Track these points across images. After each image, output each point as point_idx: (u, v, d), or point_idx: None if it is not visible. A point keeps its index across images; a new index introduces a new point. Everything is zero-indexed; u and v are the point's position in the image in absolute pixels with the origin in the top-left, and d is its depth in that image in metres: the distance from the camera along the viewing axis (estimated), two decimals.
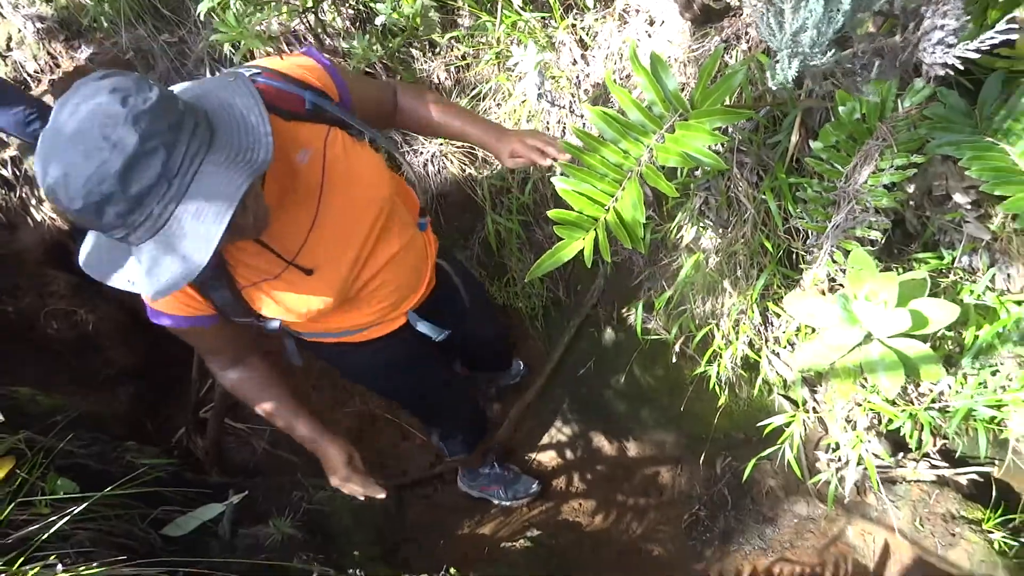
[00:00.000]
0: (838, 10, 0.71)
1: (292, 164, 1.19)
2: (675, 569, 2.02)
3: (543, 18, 2.12)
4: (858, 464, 1.75)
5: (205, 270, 0.90)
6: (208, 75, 2.80)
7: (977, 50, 1.25)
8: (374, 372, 1.76)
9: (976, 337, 1.49)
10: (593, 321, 2.35)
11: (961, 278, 1.62)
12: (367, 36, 2.29)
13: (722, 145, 1.66)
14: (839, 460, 1.77)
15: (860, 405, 1.69)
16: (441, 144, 2.40)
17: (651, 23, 1.96)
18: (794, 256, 1.65)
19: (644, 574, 2.04)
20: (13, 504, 1.47)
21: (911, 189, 1.53)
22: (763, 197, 1.56)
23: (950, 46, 0.83)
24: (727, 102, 1.44)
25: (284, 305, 1.27)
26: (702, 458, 2.11)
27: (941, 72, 0.86)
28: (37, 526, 1.45)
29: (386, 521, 2.24)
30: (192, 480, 2.12)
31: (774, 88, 0.96)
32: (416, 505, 2.40)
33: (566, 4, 2.10)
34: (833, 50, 0.75)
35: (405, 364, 1.73)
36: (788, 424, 1.78)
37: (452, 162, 2.40)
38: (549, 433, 2.51)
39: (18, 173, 2.90)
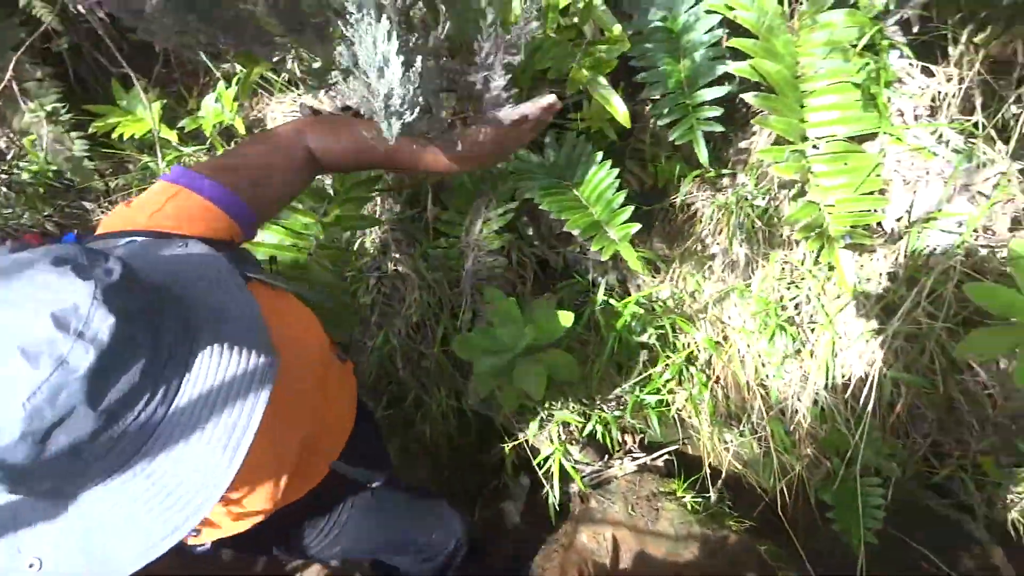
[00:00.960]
0: (415, 74, 0.92)
1: None
2: None
3: (207, 150, 2.24)
4: (566, 476, 1.98)
5: None
6: None
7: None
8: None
9: (608, 336, 1.81)
10: None
11: (598, 293, 1.96)
12: (24, 198, 2.23)
13: (379, 228, 1.88)
14: (551, 475, 1.98)
15: (553, 421, 1.93)
16: None
17: None
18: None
19: None
20: None
21: (531, 232, 1.84)
22: (417, 265, 1.78)
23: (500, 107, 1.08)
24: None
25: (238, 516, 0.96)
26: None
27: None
28: None
29: None
30: None
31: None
32: None
33: (224, 133, 2.24)
34: (416, 110, 0.95)
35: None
36: (506, 458, 1.96)
37: None
38: None
39: None
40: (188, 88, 2.31)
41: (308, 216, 1.55)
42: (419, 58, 0.95)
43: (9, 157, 2.34)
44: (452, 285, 1.78)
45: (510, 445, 1.97)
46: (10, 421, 0.54)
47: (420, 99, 0.97)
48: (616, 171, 1.49)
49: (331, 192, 1.66)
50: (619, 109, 1.49)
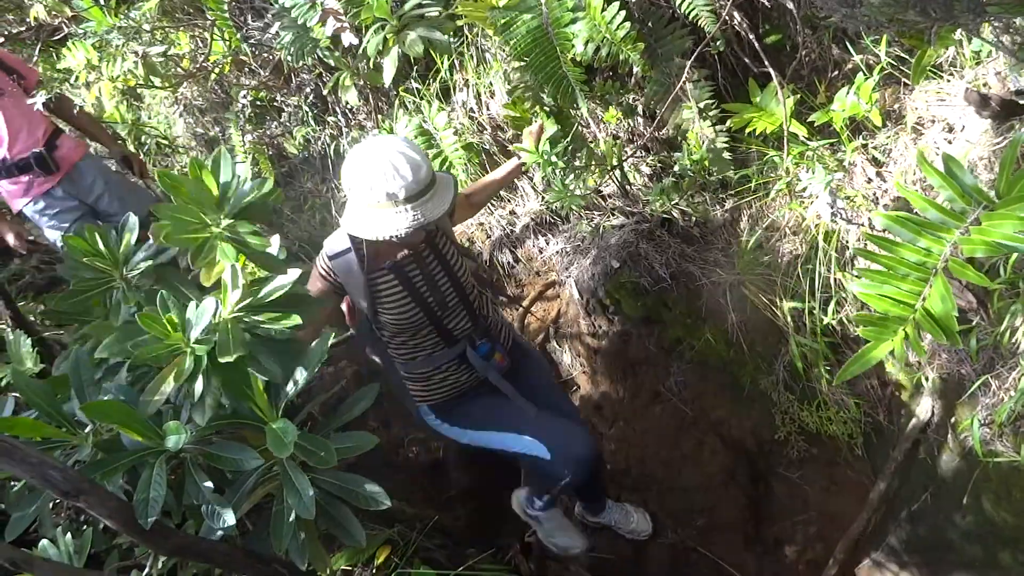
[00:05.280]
0: None
1: None
2: None
3: (831, 144, 2.21)
4: None
5: None
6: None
7: None
8: None
9: None
10: (924, 447, 2.13)
11: None
12: (664, 186, 2.59)
13: None
14: None
15: None
16: (738, 273, 2.51)
17: (949, 130, 1.93)
18: None
19: None
20: None
21: None
22: None
23: None
24: None
25: None
26: None
27: None
28: None
29: None
30: None
31: None
32: None
33: (853, 127, 2.16)
34: None
35: None
36: None
37: (749, 290, 2.49)
38: None
39: None
40: (817, 83, 2.30)
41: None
42: None
43: (652, 152, 2.75)
44: None
45: None
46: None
47: None
48: None
49: (990, 195, 1.39)
50: None
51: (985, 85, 1.80)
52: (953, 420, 1.98)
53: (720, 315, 2.59)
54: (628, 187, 2.78)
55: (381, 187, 1.62)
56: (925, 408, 2.09)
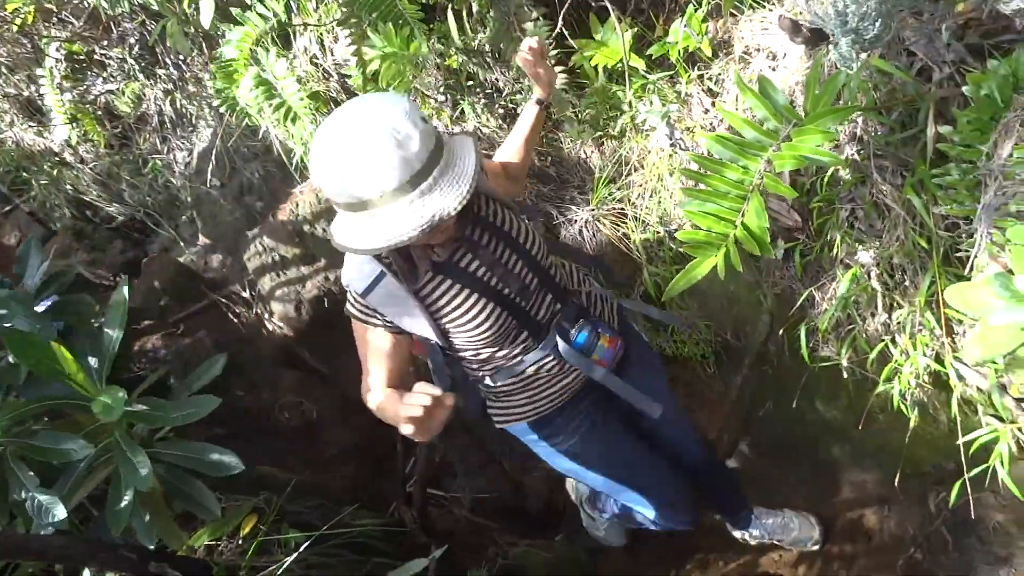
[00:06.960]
0: None
1: None
2: None
3: (669, 77, 2.26)
4: None
5: None
6: None
7: None
8: None
9: None
10: (766, 359, 2.30)
11: None
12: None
13: (857, 153, 1.65)
14: None
15: None
16: (593, 209, 2.56)
17: (773, 58, 2.02)
18: (959, 253, 1.56)
19: None
20: (254, 549, 1.77)
21: None
22: (908, 197, 1.51)
23: None
24: (841, 104, 1.47)
25: None
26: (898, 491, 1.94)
27: None
28: (272, 567, 1.72)
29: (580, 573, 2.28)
30: (402, 541, 2.35)
31: (840, 65, 1.00)
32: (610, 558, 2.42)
33: (690, 59, 2.22)
34: (879, 21, 0.80)
35: None
36: (995, 441, 1.61)
37: (604, 225, 2.55)
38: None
39: (253, 294, 3.51)
40: (656, 16, 2.34)
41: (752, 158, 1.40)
42: None
43: (504, 93, 2.72)
44: (955, 225, 1.48)
45: None
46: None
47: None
48: None
49: (800, 113, 1.47)
50: None
51: (800, 13, 1.88)
52: (785, 332, 2.14)
53: (578, 251, 2.64)
54: (481, 131, 2.75)
55: (353, 185, 1.15)
56: (765, 323, 2.25)
